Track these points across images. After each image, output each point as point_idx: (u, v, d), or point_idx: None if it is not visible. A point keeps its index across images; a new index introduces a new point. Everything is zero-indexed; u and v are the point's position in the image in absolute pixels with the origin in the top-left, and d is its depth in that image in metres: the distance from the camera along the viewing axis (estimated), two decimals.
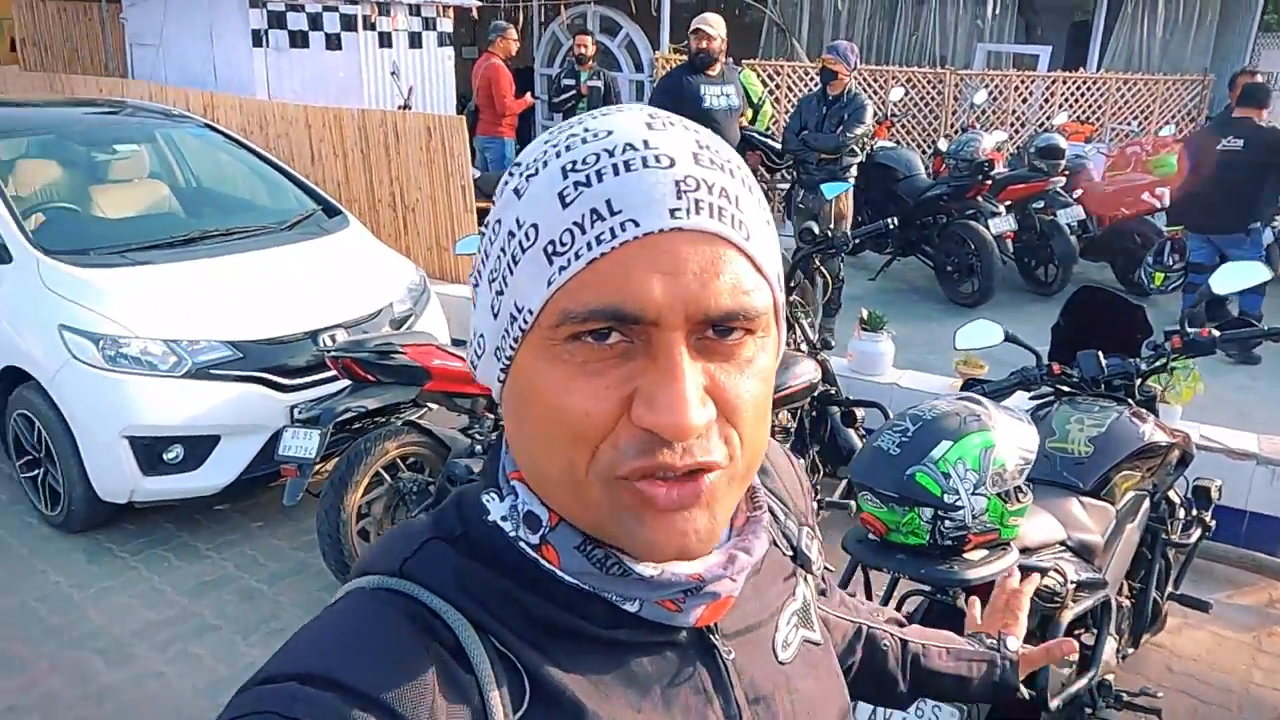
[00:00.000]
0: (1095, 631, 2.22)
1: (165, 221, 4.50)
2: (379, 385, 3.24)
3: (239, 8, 7.64)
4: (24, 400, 3.67)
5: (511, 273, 0.56)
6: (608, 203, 0.53)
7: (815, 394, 3.58)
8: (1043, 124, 9.39)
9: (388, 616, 0.57)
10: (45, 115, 5.24)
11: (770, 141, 7.85)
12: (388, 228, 6.12)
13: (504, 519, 0.62)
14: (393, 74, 8.37)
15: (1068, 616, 2.00)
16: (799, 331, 3.65)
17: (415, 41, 8.65)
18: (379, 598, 0.59)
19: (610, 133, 0.55)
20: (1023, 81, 10.32)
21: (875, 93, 9.51)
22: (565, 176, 0.54)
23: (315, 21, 7.95)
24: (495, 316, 0.58)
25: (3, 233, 3.83)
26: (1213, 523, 2.90)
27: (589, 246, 0.52)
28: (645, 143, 0.54)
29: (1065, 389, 2.71)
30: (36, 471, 3.75)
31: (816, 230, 3.65)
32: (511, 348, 0.57)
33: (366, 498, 3.27)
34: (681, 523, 0.56)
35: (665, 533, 0.56)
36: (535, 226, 0.54)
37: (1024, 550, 1.96)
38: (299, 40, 7.91)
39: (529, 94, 8.53)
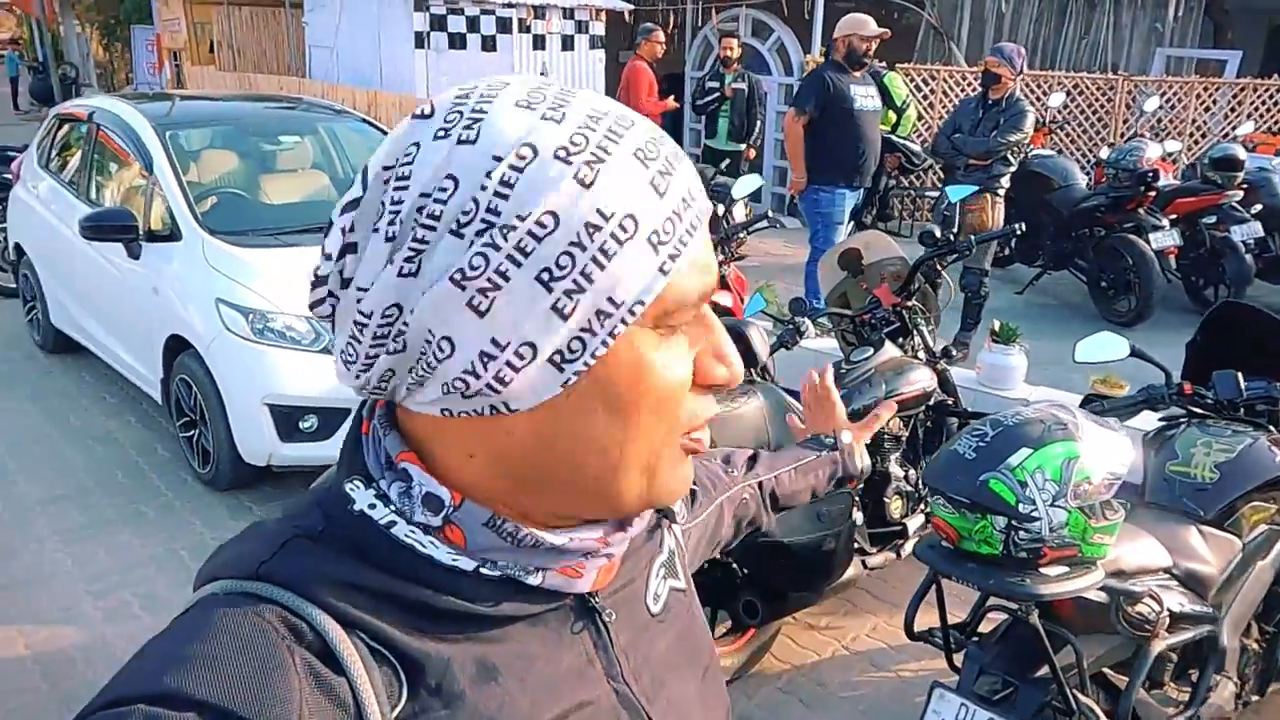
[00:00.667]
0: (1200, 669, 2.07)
1: (320, 208, 4.81)
2: None
3: (405, 11, 8.08)
4: (185, 366, 4.03)
5: (602, 267, 0.53)
6: (688, 190, 0.56)
7: (931, 403, 3.47)
8: (1226, 134, 8.69)
9: (245, 623, 0.54)
10: (229, 109, 5.75)
11: (910, 145, 7.62)
12: None
13: (372, 507, 0.59)
14: (542, 75, 8.65)
15: (1158, 646, 1.87)
16: (917, 338, 3.54)
17: (568, 44, 8.90)
18: (234, 603, 0.55)
19: (635, 121, 0.57)
20: (1205, 89, 9.59)
21: (1038, 99, 9.08)
22: (646, 164, 0.55)
23: (473, 24, 8.32)
24: (565, 318, 0.53)
25: (176, 214, 4.21)
26: None
27: (689, 232, 0.56)
28: (653, 127, 0.59)
29: (1197, 410, 2.52)
30: (193, 433, 4.11)
31: (938, 234, 3.53)
32: (604, 344, 0.54)
33: None
34: (691, 463, 0.64)
35: (687, 474, 0.63)
36: (633, 217, 0.53)
37: (1118, 573, 1.85)
38: (457, 42, 8.29)
39: (671, 97, 8.60)
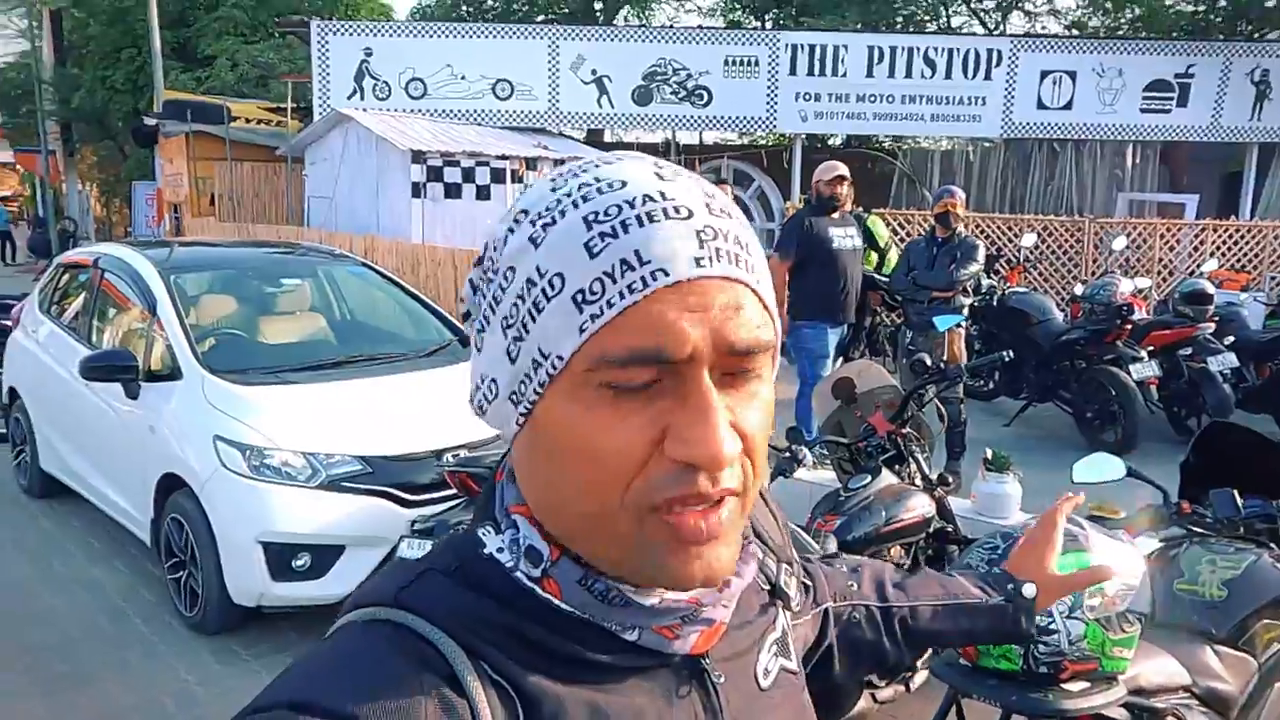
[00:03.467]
0: None
1: (318, 347, 4.90)
2: None
3: (402, 164, 8.45)
4: (177, 505, 3.98)
5: (535, 320, 0.57)
6: (636, 253, 0.56)
7: (931, 530, 3.46)
8: (1191, 271, 9.05)
9: (379, 645, 0.59)
10: (230, 254, 5.92)
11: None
12: None
13: (500, 551, 0.64)
14: None
15: None
16: (913, 466, 3.57)
17: None
18: (370, 629, 0.60)
19: (625, 184, 0.58)
20: (1168, 230, 10.04)
21: (1010, 240, 9.46)
22: (589, 228, 0.57)
23: (468, 175, 8.69)
24: (513, 361, 0.59)
25: (178, 354, 4.26)
26: None
27: (621, 295, 0.55)
28: (662, 194, 0.58)
29: (1198, 530, 2.54)
30: (180, 574, 4.01)
31: (929, 362, 3.62)
32: (536, 392, 0.58)
33: None
34: (708, 553, 0.59)
35: (694, 562, 0.59)
36: (560, 275, 0.56)
37: (1139, 690, 1.82)
38: (452, 192, 8.64)
39: None
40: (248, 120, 14.04)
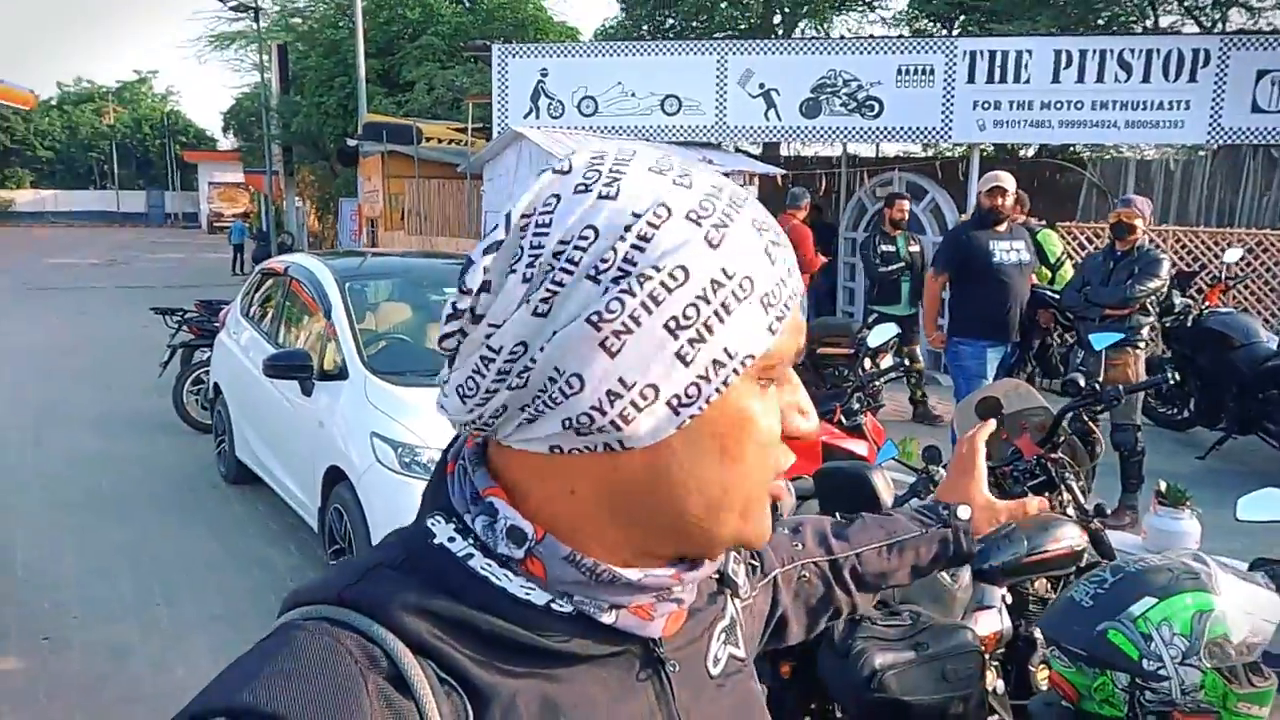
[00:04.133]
0: None
1: None
2: None
3: None
4: (339, 496, 4.28)
5: (721, 321, 0.58)
6: (791, 262, 0.63)
7: (1083, 565, 3.20)
8: None
9: (321, 645, 0.57)
10: (404, 264, 6.35)
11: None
12: None
13: (451, 540, 0.63)
14: None
15: None
16: (1065, 493, 3.32)
17: None
18: (311, 628, 0.58)
19: (746, 197, 0.63)
20: None
21: (1215, 256, 8.64)
22: (760, 234, 0.61)
23: None
24: (687, 365, 0.58)
25: (346, 355, 4.59)
26: None
27: (791, 297, 0.62)
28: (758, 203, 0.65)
29: None
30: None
31: (1083, 383, 3.36)
32: (717, 391, 0.59)
33: None
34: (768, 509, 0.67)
35: (769, 518, 0.67)
36: (750, 279, 0.59)
37: None
38: None
39: (820, 255, 8.62)
40: (438, 140, 14.94)
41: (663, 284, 0.57)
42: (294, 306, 5.58)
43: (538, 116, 10.27)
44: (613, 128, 10.09)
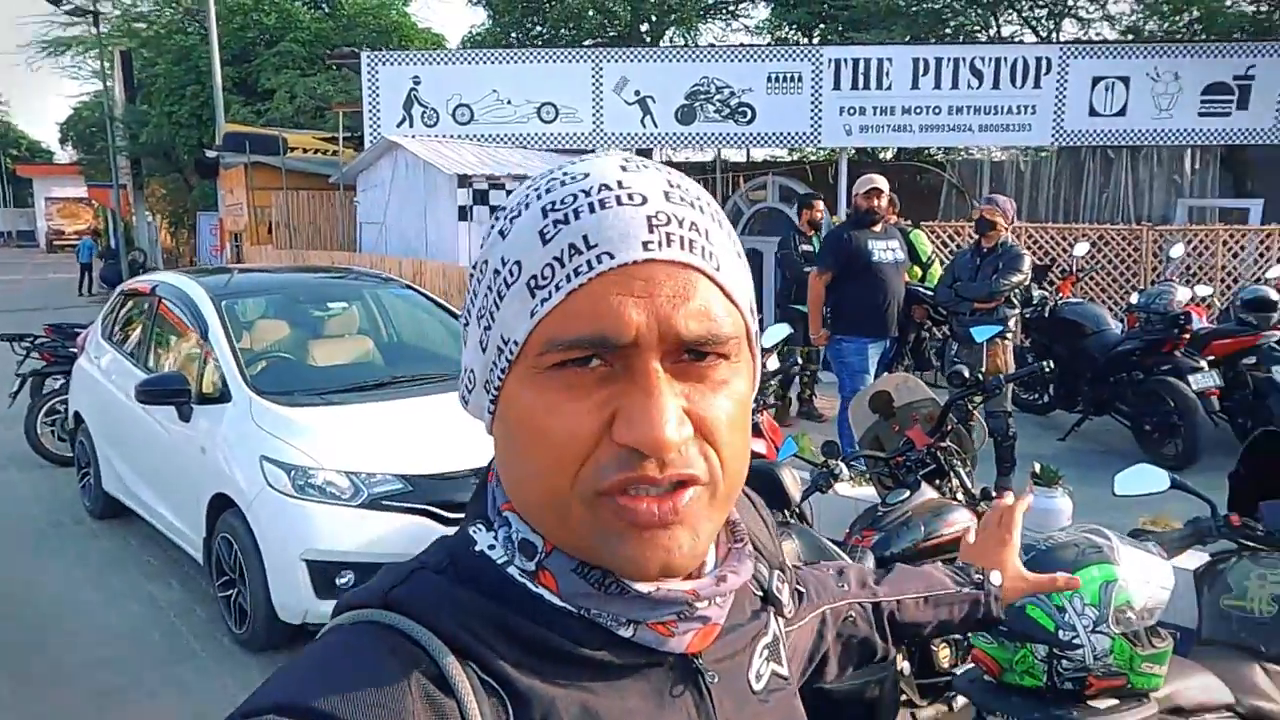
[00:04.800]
0: None
1: (364, 369, 4.99)
2: None
3: (449, 189, 8.60)
4: (227, 525, 4.08)
5: (498, 308, 0.59)
6: (584, 238, 0.57)
7: None
8: (1256, 278, 8.75)
9: (367, 647, 0.58)
10: (281, 280, 6.09)
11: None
12: None
13: (491, 548, 0.64)
14: None
15: None
16: (954, 479, 3.50)
17: None
18: (359, 631, 0.60)
19: (587, 175, 0.60)
20: (1231, 236, 9.74)
21: (1064, 250, 9.27)
22: (545, 216, 0.59)
23: None
24: (484, 351, 0.61)
25: (228, 377, 4.39)
26: None
27: (568, 278, 0.56)
28: (619, 183, 0.59)
29: (1247, 543, 2.44)
30: (231, 592, 4.11)
31: (966, 374, 3.55)
32: (499, 378, 0.60)
33: None
34: (665, 539, 0.58)
35: (650, 549, 0.58)
36: (519, 263, 0.58)
37: (1176, 710, 1.76)
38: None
39: None
40: (305, 150, 14.44)
41: (476, 279, 0.63)
42: (164, 328, 5.29)
43: (411, 125, 10.09)
44: (490, 136, 10.01)
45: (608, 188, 0.59)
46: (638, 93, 10.17)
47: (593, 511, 0.58)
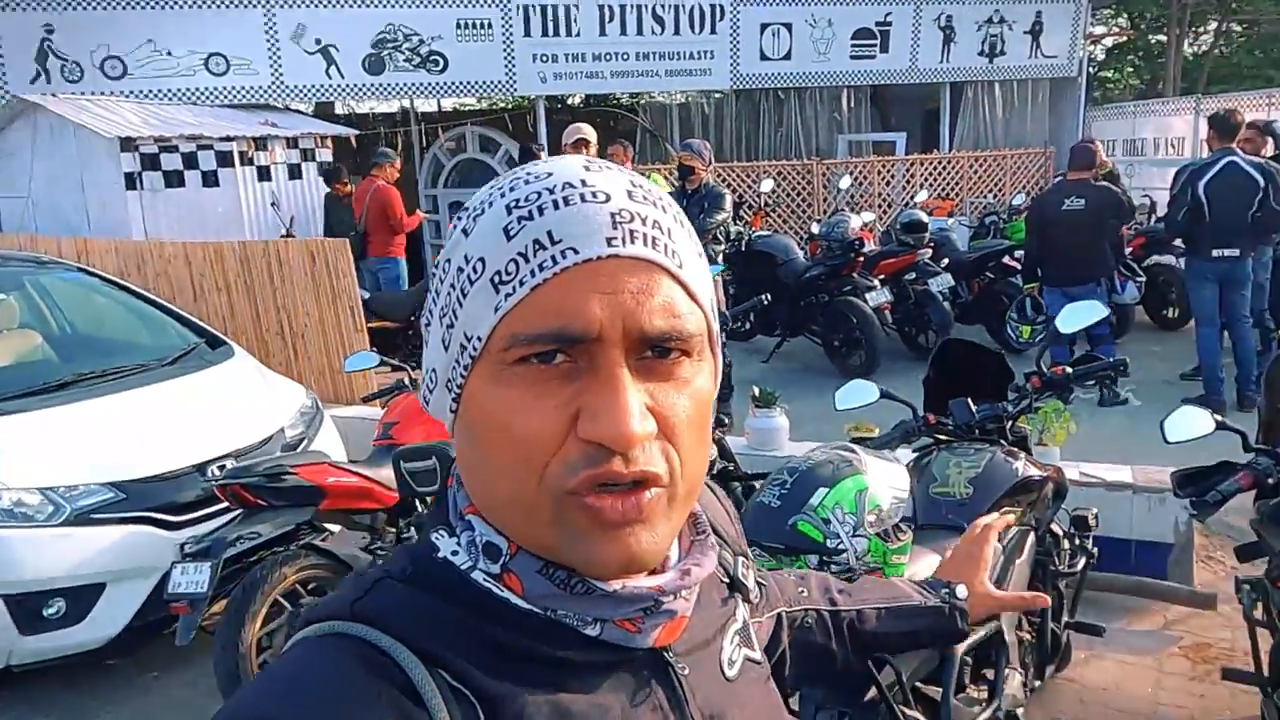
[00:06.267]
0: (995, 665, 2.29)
1: (38, 369, 4.34)
2: (271, 509, 3.15)
3: (109, 153, 7.59)
4: None
5: (461, 305, 0.59)
6: (549, 234, 0.57)
7: (714, 471, 3.65)
8: (906, 203, 9.99)
9: (334, 660, 0.58)
10: None
11: None
12: (278, 356, 6.04)
13: (454, 554, 0.64)
14: (273, 205, 8.40)
15: (961, 649, 2.06)
16: None
17: (295, 173, 8.72)
18: (325, 643, 0.59)
19: (551, 174, 0.60)
20: (884, 166, 11.02)
21: (750, 186, 10.00)
22: (509, 213, 0.59)
23: (190, 160, 7.95)
24: (446, 349, 0.61)
25: None
26: (1095, 550, 3.03)
27: (532, 274, 0.57)
28: (583, 181, 0.60)
29: (943, 437, 2.84)
30: None
31: None
32: (463, 376, 0.60)
33: (266, 629, 3.14)
34: (627, 536, 0.58)
35: (612, 547, 0.58)
36: (482, 260, 0.58)
37: None
38: (174, 180, 7.88)
39: (418, 211, 8.66)
40: None
41: (439, 279, 0.62)
42: None
43: (49, 81, 8.72)
44: (151, 91, 8.92)
45: (571, 186, 0.59)
46: (319, 41, 9.50)
47: (559, 510, 0.58)
